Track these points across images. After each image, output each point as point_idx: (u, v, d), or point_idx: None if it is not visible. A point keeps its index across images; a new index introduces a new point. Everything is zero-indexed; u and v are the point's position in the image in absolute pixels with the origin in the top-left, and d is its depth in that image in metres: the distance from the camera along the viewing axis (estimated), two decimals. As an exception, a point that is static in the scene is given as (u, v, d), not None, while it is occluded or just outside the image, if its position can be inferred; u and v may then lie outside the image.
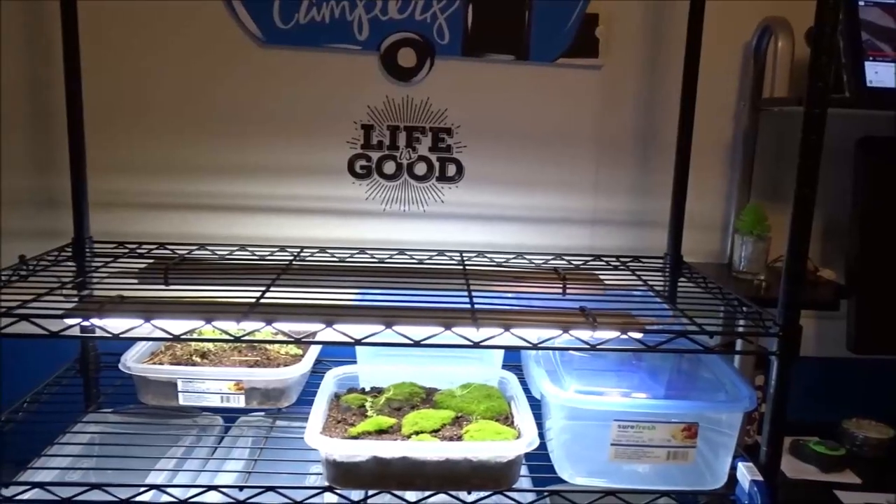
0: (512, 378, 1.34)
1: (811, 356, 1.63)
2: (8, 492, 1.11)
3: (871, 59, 1.36)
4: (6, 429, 1.25)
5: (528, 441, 1.11)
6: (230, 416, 1.47)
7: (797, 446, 1.44)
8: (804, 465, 1.42)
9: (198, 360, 1.37)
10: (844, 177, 1.47)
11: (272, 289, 1.22)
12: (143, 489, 1.10)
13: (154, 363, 1.36)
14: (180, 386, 1.31)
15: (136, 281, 1.33)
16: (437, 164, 1.59)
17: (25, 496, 1.11)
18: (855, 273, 1.44)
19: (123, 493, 1.10)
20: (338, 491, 1.11)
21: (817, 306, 1.44)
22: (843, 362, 1.58)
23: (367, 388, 1.34)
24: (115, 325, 1.10)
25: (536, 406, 1.24)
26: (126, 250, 1.49)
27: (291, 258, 1.47)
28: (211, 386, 1.31)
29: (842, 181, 1.47)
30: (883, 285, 1.43)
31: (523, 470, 1.21)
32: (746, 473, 1.08)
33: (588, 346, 1.10)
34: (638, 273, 1.47)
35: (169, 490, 1.11)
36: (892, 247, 1.45)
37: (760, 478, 1.07)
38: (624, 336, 1.10)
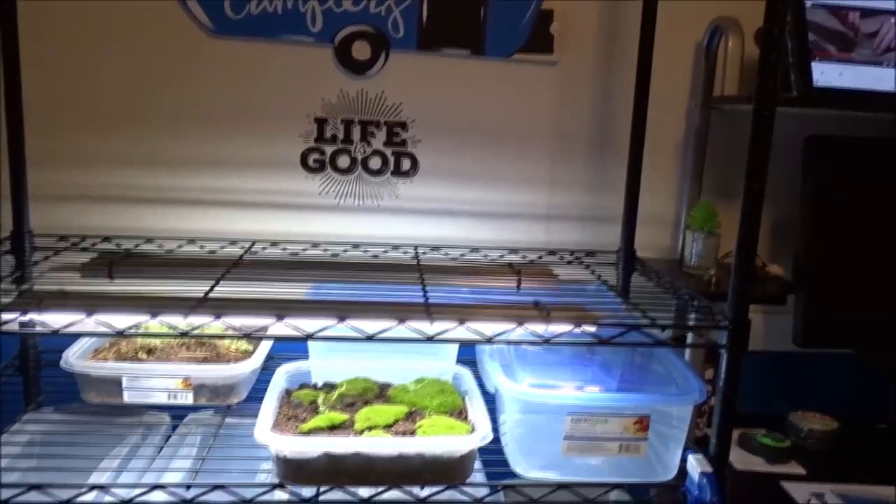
0: (466, 373, 1.34)
1: (759, 350, 1.66)
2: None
3: (817, 59, 1.39)
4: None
5: (481, 435, 1.11)
6: (178, 413, 1.44)
7: (745, 438, 1.47)
8: (751, 457, 1.44)
9: (144, 356, 1.34)
10: (792, 174, 1.50)
11: (222, 283, 1.19)
12: (84, 489, 1.06)
13: (98, 360, 1.32)
14: (125, 383, 1.27)
15: (78, 275, 1.29)
16: (391, 159, 1.58)
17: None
18: (802, 269, 1.48)
19: (65, 494, 1.06)
20: (289, 488, 1.08)
21: (765, 301, 1.46)
22: (789, 356, 1.62)
23: (320, 384, 1.32)
24: (55, 320, 1.06)
25: (490, 401, 1.24)
26: (68, 244, 1.44)
27: (242, 252, 1.44)
28: (157, 383, 1.27)
29: (790, 179, 1.50)
30: (828, 281, 1.47)
31: (477, 464, 1.21)
32: (696, 465, 1.09)
33: (542, 340, 1.10)
34: (591, 268, 1.48)
35: (113, 490, 1.07)
36: (838, 244, 1.48)
37: (710, 469, 1.08)
38: (577, 330, 1.11)
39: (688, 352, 1.48)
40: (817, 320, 1.46)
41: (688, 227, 1.55)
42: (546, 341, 1.10)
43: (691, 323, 1.26)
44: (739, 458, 1.43)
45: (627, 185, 1.50)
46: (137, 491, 1.07)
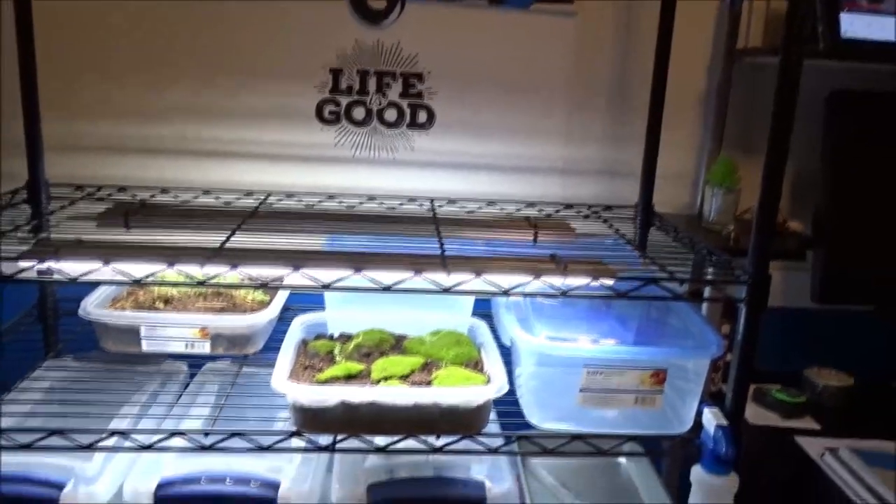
0: (482, 325, 1.33)
1: (776, 306, 1.65)
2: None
3: (846, 10, 1.35)
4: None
5: (497, 386, 1.11)
6: (195, 363, 1.45)
7: (760, 393, 1.47)
8: (766, 412, 1.44)
9: (161, 306, 1.34)
10: (815, 130, 1.47)
11: (237, 234, 1.19)
12: (105, 435, 1.07)
13: (116, 309, 1.32)
14: (143, 332, 1.28)
15: (94, 225, 1.29)
16: (407, 111, 1.55)
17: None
18: (822, 225, 1.46)
19: (86, 439, 1.07)
20: (306, 435, 1.09)
21: (784, 256, 1.45)
22: (806, 313, 1.61)
23: (336, 335, 1.32)
24: (72, 268, 1.06)
25: (506, 354, 1.24)
26: (84, 194, 1.44)
27: (258, 203, 1.44)
28: (175, 332, 1.28)
29: (811, 134, 1.47)
30: (848, 237, 1.45)
31: (492, 416, 1.21)
32: (712, 418, 1.09)
33: (559, 293, 1.10)
34: (609, 222, 1.47)
35: (132, 436, 1.08)
36: (858, 200, 1.46)
37: (726, 423, 1.08)
38: (594, 283, 1.10)
39: (704, 307, 1.47)
40: (836, 276, 1.45)
41: (707, 183, 1.53)
42: (563, 294, 1.10)
43: (710, 277, 1.25)
44: (754, 413, 1.43)
45: (647, 139, 1.48)
46: (157, 437, 1.08)
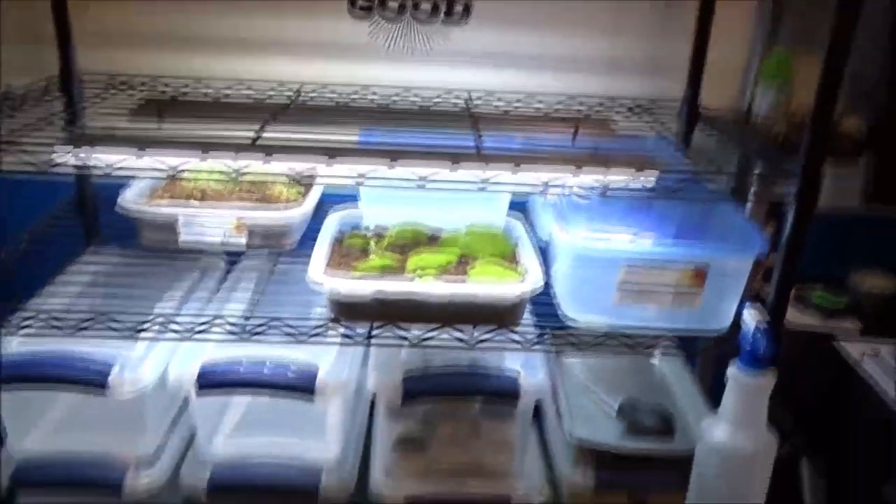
0: (518, 222, 1.32)
1: (821, 207, 1.60)
2: (14, 320, 1.11)
3: None
4: (7, 265, 1.24)
5: (533, 281, 1.10)
6: (233, 259, 1.47)
7: (800, 295, 1.44)
8: (806, 314, 1.42)
9: (197, 201, 1.34)
10: (876, 27, 1.37)
11: (271, 128, 1.17)
12: (149, 319, 1.10)
13: (152, 203, 1.33)
14: (180, 225, 1.28)
15: (127, 118, 1.28)
16: (443, 2, 1.48)
17: (32, 327, 1.11)
18: (878, 125, 1.39)
19: (129, 324, 1.10)
20: (342, 326, 1.11)
21: (836, 155, 1.38)
22: (853, 216, 1.55)
23: (370, 230, 1.32)
24: (108, 159, 1.06)
25: (542, 253, 1.22)
26: (117, 83, 1.42)
27: (291, 97, 1.41)
28: (212, 226, 1.28)
29: (871, 29, 1.37)
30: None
31: (527, 312, 1.21)
32: (752, 318, 1.07)
33: (598, 190, 1.07)
34: (652, 119, 1.42)
35: (174, 323, 1.11)
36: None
37: (766, 323, 1.06)
38: (636, 180, 1.07)
39: (748, 208, 1.43)
40: (889, 178, 1.39)
41: (758, 79, 1.45)
42: (603, 191, 1.07)
43: (759, 172, 1.21)
44: (794, 316, 1.41)
45: (696, 30, 1.40)
46: (198, 324, 1.10)
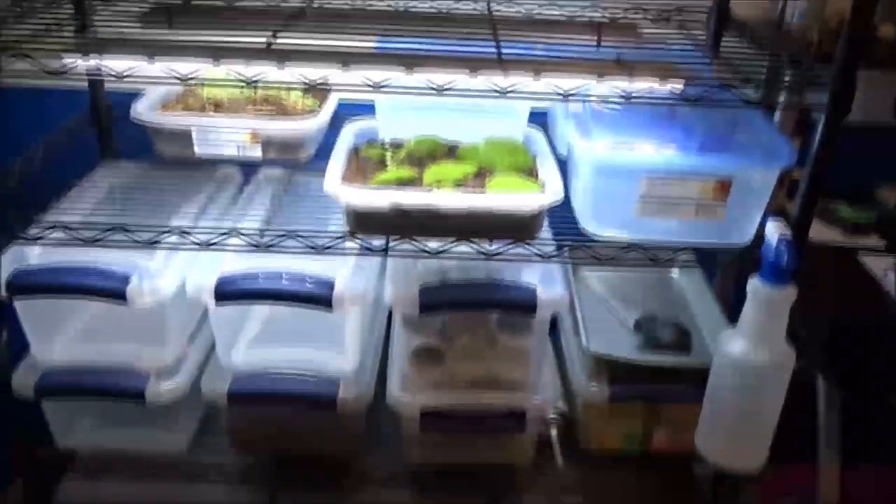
0: (537, 134, 1.29)
1: (851, 119, 1.55)
2: (30, 233, 1.11)
3: None
4: (23, 177, 1.23)
5: (552, 193, 1.08)
6: (249, 172, 1.45)
7: (825, 210, 1.41)
8: (830, 229, 1.40)
9: (211, 111, 1.32)
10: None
11: (285, 34, 1.13)
12: (166, 231, 1.10)
13: (166, 113, 1.31)
14: (195, 136, 1.26)
15: (138, 24, 1.25)
16: None
17: (49, 238, 1.12)
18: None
19: (147, 236, 1.10)
20: (359, 238, 1.10)
21: (872, 64, 1.33)
22: (884, 129, 1.50)
23: (387, 142, 1.30)
24: (118, 66, 1.04)
25: (561, 166, 1.20)
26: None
27: (306, 1, 1.36)
28: (226, 136, 1.26)
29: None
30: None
31: (546, 226, 1.20)
32: (776, 230, 1.05)
33: (623, 97, 1.03)
34: (680, 26, 1.36)
35: (191, 234, 1.10)
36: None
37: (790, 235, 1.04)
38: (662, 87, 1.03)
39: (777, 117, 1.38)
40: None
41: (792, -18, 1.38)
42: (627, 99, 1.03)
43: (787, 81, 1.16)
44: (817, 230, 1.38)
45: (729, -71, 1.32)
46: (215, 236, 1.10)
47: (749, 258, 1.12)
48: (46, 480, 1.33)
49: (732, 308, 1.24)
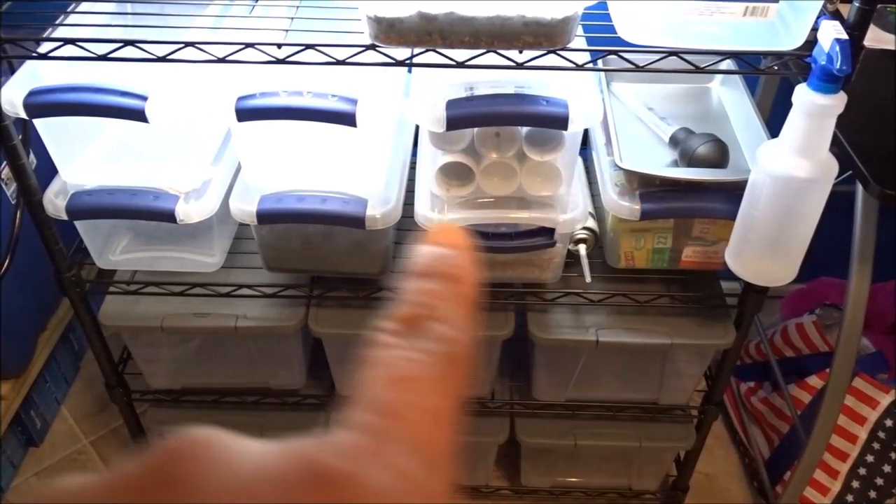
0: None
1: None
2: (41, 49, 1.07)
3: None
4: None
5: (587, -5, 1.00)
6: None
7: (879, 14, 1.31)
8: (886, 35, 1.30)
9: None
10: None
11: None
12: (180, 46, 1.05)
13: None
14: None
15: None
16: None
17: (58, 54, 1.07)
18: None
19: (160, 51, 1.05)
20: (381, 49, 1.04)
21: None
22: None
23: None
24: None
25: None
26: None
27: None
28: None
29: None
30: None
31: (580, 34, 1.12)
32: (830, 31, 0.97)
33: None
34: None
35: (206, 48, 1.05)
36: None
37: (845, 36, 0.96)
38: None
39: None
40: None
41: None
42: None
43: None
44: (872, 37, 1.29)
45: None
46: (231, 49, 1.05)
47: (800, 62, 1.04)
48: (87, 300, 1.39)
49: (772, 124, 1.18)
